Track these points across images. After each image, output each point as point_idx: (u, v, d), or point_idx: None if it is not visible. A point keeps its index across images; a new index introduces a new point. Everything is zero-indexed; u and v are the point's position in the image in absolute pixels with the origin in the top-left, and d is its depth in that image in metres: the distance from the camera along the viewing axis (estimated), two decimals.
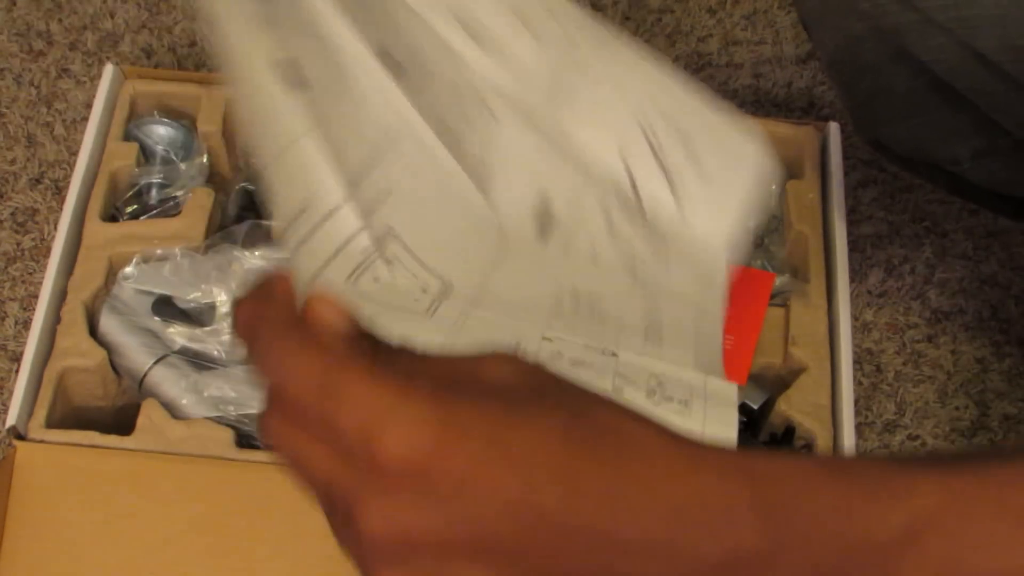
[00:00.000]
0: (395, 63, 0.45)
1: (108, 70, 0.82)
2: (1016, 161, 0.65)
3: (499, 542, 0.30)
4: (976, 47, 0.59)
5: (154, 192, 0.80)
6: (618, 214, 0.43)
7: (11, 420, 0.70)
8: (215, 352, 0.73)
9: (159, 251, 0.76)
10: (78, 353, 0.73)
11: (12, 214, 0.90)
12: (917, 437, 0.82)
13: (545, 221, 0.43)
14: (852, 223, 0.86)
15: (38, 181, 0.91)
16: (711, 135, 0.45)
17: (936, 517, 0.33)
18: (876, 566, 0.33)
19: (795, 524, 0.32)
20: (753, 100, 0.95)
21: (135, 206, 0.80)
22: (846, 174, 0.80)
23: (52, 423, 0.71)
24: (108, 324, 0.74)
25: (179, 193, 0.80)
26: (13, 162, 0.92)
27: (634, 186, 0.42)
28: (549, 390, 0.32)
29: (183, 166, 0.81)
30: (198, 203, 0.78)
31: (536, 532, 0.30)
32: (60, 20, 0.99)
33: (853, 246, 0.80)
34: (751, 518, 0.32)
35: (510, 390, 0.32)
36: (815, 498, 0.32)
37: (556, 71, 0.46)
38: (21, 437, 0.70)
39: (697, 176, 0.44)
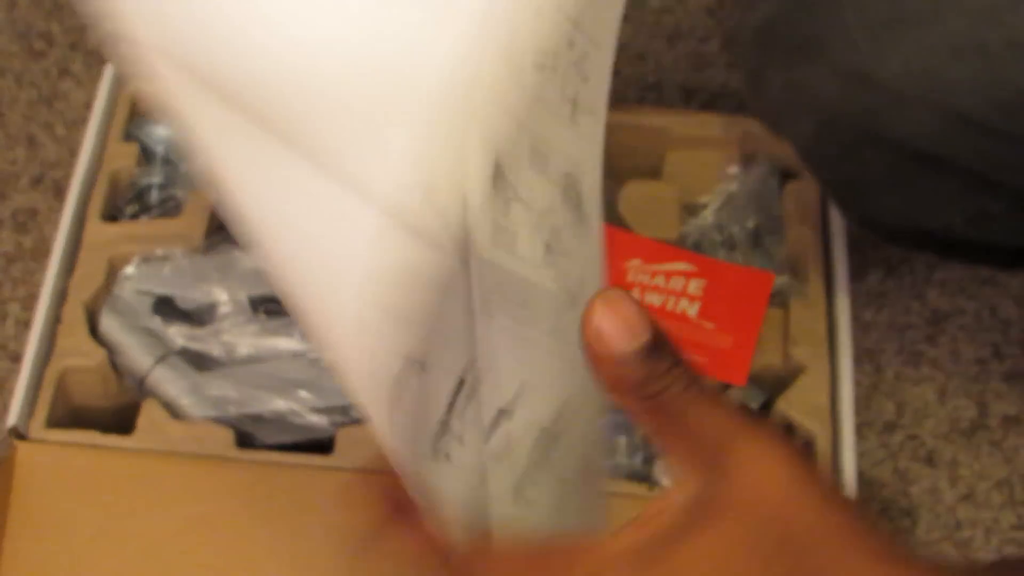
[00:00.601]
0: None
1: (109, 70, 0.82)
2: (1013, 218, 0.63)
3: None
4: (959, 110, 0.57)
5: (154, 192, 0.80)
6: None
7: (12, 420, 0.70)
8: (216, 352, 0.73)
9: (160, 251, 0.76)
10: (79, 353, 0.73)
11: (13, 214, 0.90)
12: (916, 437, 0.82)
13: None
14: None
15: (39, 181, 0.91)
16: None
17: None
18: None
19: None
20: None
21: (136, 206, 0.80)
22: None
23: (53, 423, 0.71)
24: (109, 324, 0.74)
25: (179, 193, 0.80)
26: (14, 162, 0.92)
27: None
28: None
29: (184, 166, 0.81)
30: (198, 203, 0.78)
31: None
32: (61, 20, 0.99)
33: (853, 246, 0.80)
34: None
35: None
36: None
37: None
38: (22, 437, 0.70)
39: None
